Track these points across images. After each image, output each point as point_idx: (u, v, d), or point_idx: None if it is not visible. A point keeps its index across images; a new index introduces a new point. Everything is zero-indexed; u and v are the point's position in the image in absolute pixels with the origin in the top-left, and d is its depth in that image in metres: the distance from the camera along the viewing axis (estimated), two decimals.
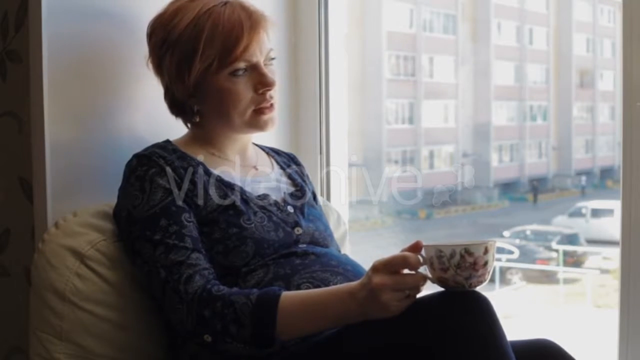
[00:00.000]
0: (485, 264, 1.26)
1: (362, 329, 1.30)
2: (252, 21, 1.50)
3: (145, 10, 1.64)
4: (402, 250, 1.30)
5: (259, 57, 1.51)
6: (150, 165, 1.48)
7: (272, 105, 1.54)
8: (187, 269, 1.39)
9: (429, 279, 1.29)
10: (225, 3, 1.51)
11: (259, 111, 1.53)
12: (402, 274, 1.28)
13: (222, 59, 1.48)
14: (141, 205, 1.45)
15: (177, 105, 1.57)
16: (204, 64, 1.48)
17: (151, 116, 1.73)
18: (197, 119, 1.56)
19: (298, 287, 1.42)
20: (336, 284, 1.43)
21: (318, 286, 1.42)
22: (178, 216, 1.43)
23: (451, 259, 1.25)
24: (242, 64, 1.50)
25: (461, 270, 1.25)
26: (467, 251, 1.24)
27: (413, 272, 1.29)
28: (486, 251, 1.25)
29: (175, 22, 1.50)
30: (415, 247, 1.30)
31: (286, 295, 1.34)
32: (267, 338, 1.33)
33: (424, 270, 1.31)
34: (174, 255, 1.40)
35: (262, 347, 1.33)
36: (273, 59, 1.56)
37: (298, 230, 1.53)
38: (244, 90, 1.51)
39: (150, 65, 1.59)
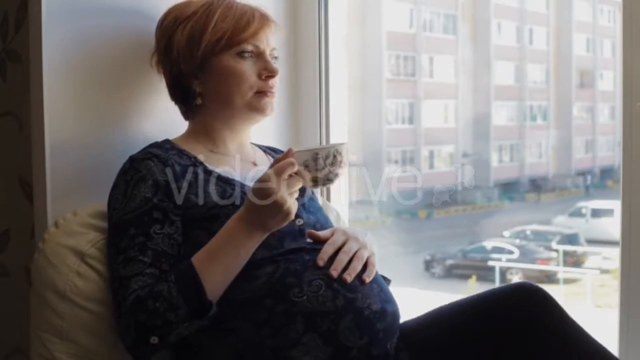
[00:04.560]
0: (347, 161, 1.43)
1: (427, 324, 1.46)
2: (262, 14, 1.58)
3: (144, 10, 1.65)
4: (274, 162, 1.38)
5: (265, 47, 1.57)
6: (139, 170, 1.48)
7: (272, 92, 1.58)
8: (135, 284, 1.40)
9: (303, 181, 1.39)
10: None
11: (260, 93, 1.57)
12: (290, 178, 1.36)
13: (231, 37, 1.54)
14: (119, 209, 1.46)
15: (179, 87, 1.59)
16: (214, 36, 1.53)
17: (152, 115, 1.73)
18: (199, 101, 1.58)
19: (310, 284, 1.42)
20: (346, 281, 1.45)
21: (329, 283, 1.42)
22: (148, 227, 1.44)
23: (326, 159, 1.39)
24: (249, 47, 1.55)
25: (334, 168, 1.41)
26: (337, 151, 1.41)
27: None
28: (347, 150, 1.43)
29: (188, 5, 1.58)
30: (288, 155, 1.37)
31: (194, 258, 1.39)
32: (203, 305, 1.36)
33: None
34: (130, 269, 1.41)
35: (203, 314, 1.36)
36: (276, 57, 1.60)
37: (299, 221, 1.52)
38: (248, 72, 1.55)
39: (155, 57, 1.61)
